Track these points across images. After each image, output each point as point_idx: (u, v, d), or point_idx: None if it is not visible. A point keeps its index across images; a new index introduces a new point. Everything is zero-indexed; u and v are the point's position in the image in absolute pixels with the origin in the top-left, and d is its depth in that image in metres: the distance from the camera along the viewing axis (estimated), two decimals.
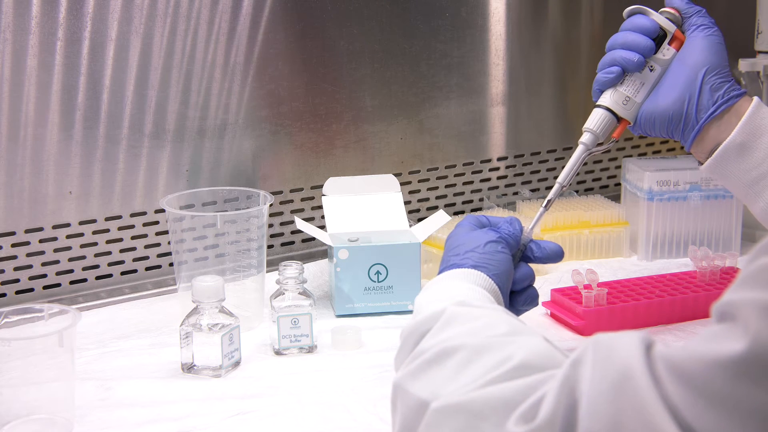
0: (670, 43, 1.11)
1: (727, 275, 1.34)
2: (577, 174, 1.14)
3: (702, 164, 1.11)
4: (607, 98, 1.12)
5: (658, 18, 1.11)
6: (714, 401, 0.60)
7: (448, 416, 0.73)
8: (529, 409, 0.69)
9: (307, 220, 1.48)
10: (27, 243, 1.35)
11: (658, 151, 1.88)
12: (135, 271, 1.44)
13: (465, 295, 0.95)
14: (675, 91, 1.09)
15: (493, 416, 0.70)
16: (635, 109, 1.11)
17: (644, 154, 1.86)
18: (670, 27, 1.11)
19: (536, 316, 1.30)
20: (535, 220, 1.10)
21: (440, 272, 1.03)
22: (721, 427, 0.60)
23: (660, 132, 1.11)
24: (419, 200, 1.64)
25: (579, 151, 1.12)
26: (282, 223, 1.54)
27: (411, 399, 0.78)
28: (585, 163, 1.15)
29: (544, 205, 1.11)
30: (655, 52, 1.11)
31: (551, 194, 1.11)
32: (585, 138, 1.12)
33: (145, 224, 1.43)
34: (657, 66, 1.11)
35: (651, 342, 0.66)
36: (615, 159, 1.81)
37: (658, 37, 1.11)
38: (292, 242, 1.55)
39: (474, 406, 0.72)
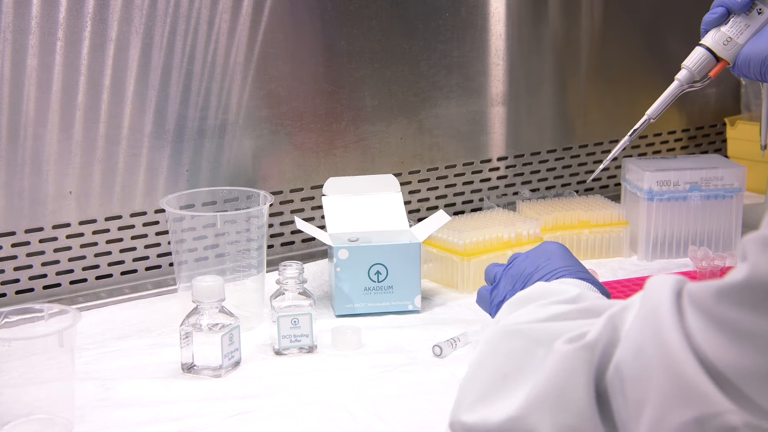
0: None
1: None
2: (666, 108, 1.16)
3: None
4: (709, 38, 1.14)
5: None
6: (720, 325, 0.66)
7: (510, 336, 0.81)
8: (577, 335, 0.76)
9: (307, 220, 1.48)
10: (27, 243, 1.35)
11: (658, 151, 1.88)
12: (135, 271, 1.44)
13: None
14: None
15: (548, 342, 0.77)
16: (736, 50, 1.12)
17: (644, 154, 1.86)
18: None
19: None
20: (618, 149, 1.12)
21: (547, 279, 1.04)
22: (724, 348, 0.65)
23: (755, 73, 1.13)
24: (419, 200, 1.64)
25: (672, 86, 1.14)
26: (282, 223, 1.54)
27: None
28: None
29: (629, 134, 1.14)
30: None
31: (638, 125, 1.13)
32: (680, 74, 1.14)
33: (145, 224, 1.43)
34: (766, 9, 1.12)
35: (684, 282, 0.72)
36: (615, 159, 1.80)
37: None
38: (292, 242, 1.55)
39: (534, 334, 0.80)
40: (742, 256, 0.67)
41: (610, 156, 1.11)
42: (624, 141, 1.13)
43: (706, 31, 1.14)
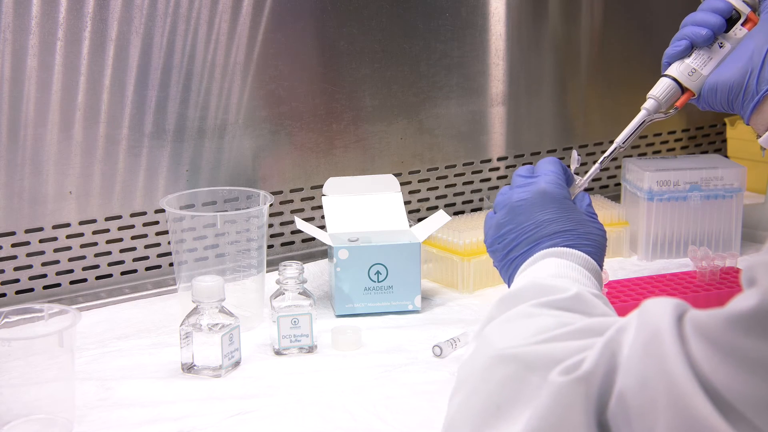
0: (743, 24, 1.14)
1: (727, 275, 1.34)
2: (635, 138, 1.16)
3: (760, 137, 1.12)
4: (674, 69, 1.15)
5: (734, 0, 1.14)
6: (728, 354, 0.64)
7: (501, 363, 0.77)
8: (573, 364, 0.73)
9: (307, 220, 1.48)
10: (27, 243, 1.35)
11: (658, 151, 1.88)
12: (135, 271, 1.44)
13: (583, 283, 0.94)
14: (738, 63, 1.11)
15: (542, 369, 0.74)
16: (700, 81, 1.14)
17: (644, 154, 1.86)
18: (745, 9, 1.14)
19: None
20: (588, 176, 1.12)
21: (540, 242, 0.99)
22: (733, 379, 0.63)
23: (721, 103, 1.13)
24: (419, 200, 1.64)
25: (640, 115, 1.15)
26: (282, 223, 1.54)
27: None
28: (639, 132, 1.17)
29: (600, 161, 1.14)
30: (728, 31, 1.13)
31: (607, 153, 1.14)
32: (647, 104, 1.15)
33: (145, 224, 1.43)
34: (727, 43, 1.14)
35: (685, 308, 0.70)
36: (615, 159, 1.81)
37: (732, 18, 1.14)
38: (292, 242, 1.55)
39: (527, 359, 0.76)
40: (749, 281, 0.65)
41: (585, 179, 1.11)
42: (594, 168, 1.13)
43: (669, 64, 1.16)
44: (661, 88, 1.14)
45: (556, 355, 0.75)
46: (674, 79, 1.14)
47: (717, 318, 0.65)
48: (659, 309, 0.69)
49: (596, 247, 0.99)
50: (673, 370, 0.65)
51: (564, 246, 0.97)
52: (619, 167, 1.78)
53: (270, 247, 1.51)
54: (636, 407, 0.68)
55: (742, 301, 0.64)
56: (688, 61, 1.14)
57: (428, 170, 1.64)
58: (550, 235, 0.98)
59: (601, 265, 0.98)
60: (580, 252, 0.96)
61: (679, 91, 1.14)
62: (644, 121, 1.14)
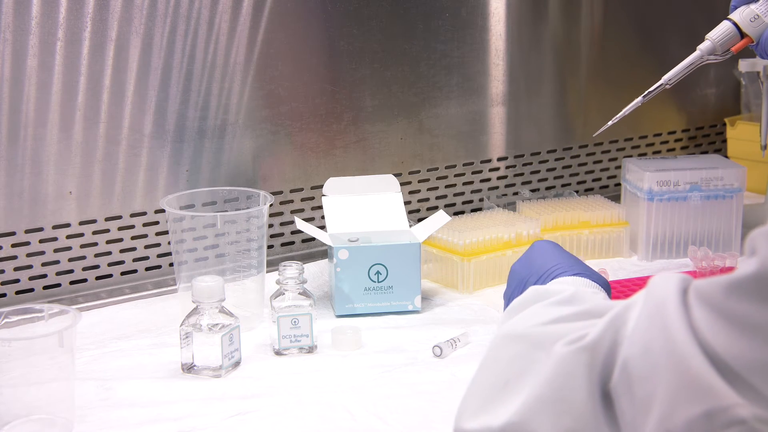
0: None
1: None
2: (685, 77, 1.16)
3: None
4: (737, 13, 1.15)
5: None
6: (729, 319, 0.66)
7: (511, 342, 0.81)
8: (577, 337, 0.75)
9: (307, 220, 1.48)
10: (27, 243, 1.35)
11: (658, 151, 1.88)
12: (135, 271, 1.44)
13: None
14: None
15: (548, 345, 0.77)
16: (761, 28, 1.13)
17: (644, 154, 1.86)
18: None
19: None
20: (629, 109, 1.11)
21: (536, 284, 1.02)
22: (733, 342, 0.66)
23: None
24: (419, 200, 1.64)
25: (693, 56, 1.14)
26: (282, 223, 1.54)
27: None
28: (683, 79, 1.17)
29: (643, 95, 1.14)
30: None
31: (652, 88, 1.13)
32: (703, 45, 1.14)
33: (145, 224, 1.43)
34: None
35: (691, 280, 0.72)
36: (615, 159, 1.81)
37: None
38: (292, 242, 1.55)
39: (534, 338, 0.79)
40: (750, 251, 0.67)
41: (620, 115, 1.11)
42: (636, 101, 1.13)
43: (735, 7, 1.15)
44: (719, 30, 1.13)
45: (562, 333, 0.77)
46: (735, 24, 1.13)
47: (718, 285, 0.67)
48: (665, 283, 0.72)
49: (602, 283, 1.00)
50: (675, 336, 0.68)
51: (570, 275, 0.99)
52: (619, 167, 1.78)
53: (270, 247, 1.51)
54: (638, 373, 0.70)
55: (742, 269, 0.66)
56: (753, 6, 1.13)
57: (428, 170, 1.64)
58: (553, 269, 1.01)
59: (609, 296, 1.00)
60: (585, 279, 0.99)
61: (738, 36, 1.13)
62: (696, 62, 1.13)
